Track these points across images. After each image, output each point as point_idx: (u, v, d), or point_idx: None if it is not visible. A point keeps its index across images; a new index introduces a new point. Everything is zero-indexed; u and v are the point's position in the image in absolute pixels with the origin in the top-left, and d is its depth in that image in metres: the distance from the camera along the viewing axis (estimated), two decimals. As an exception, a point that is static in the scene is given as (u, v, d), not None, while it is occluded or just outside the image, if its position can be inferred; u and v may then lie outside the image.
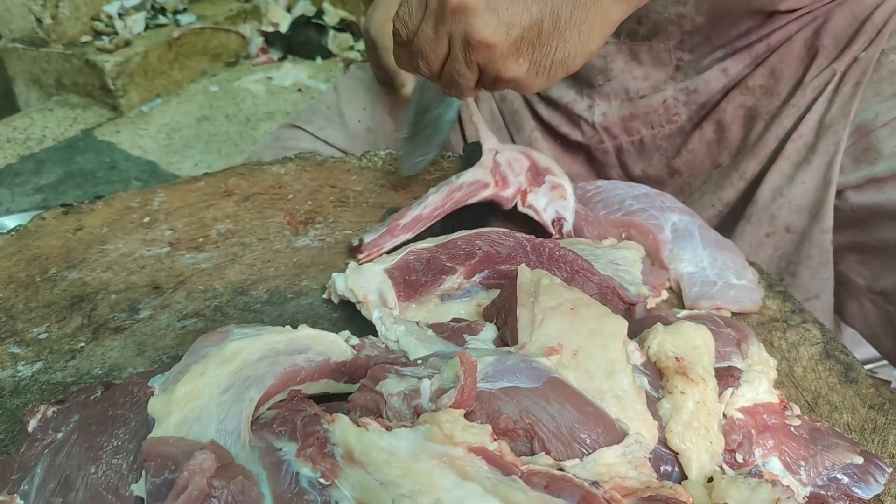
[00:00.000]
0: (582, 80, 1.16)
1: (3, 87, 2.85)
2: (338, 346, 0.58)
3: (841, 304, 1.05)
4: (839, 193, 0.98)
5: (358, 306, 0.75)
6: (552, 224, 0.88)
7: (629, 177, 1.22)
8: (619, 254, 0.78)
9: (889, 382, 0.72)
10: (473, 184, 0.89)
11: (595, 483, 0.46)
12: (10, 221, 1.50)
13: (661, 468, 0.55)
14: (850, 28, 1.02)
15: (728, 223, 1.11)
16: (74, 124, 2.57)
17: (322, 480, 0.47)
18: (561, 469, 0.48)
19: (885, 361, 1.09)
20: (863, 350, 1.12)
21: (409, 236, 0.86)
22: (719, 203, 1.11)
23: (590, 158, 1.25)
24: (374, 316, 0.68)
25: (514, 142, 1.28)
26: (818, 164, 0.98)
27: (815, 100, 1.01)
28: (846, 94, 0.99)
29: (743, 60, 1.08)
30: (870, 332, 1.05)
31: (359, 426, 0.49)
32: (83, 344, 0.79)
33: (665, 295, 0.81)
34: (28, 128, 2.54)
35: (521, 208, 0.90)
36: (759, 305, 0.79)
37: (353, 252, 0.88)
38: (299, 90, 2.97)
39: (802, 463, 0.58)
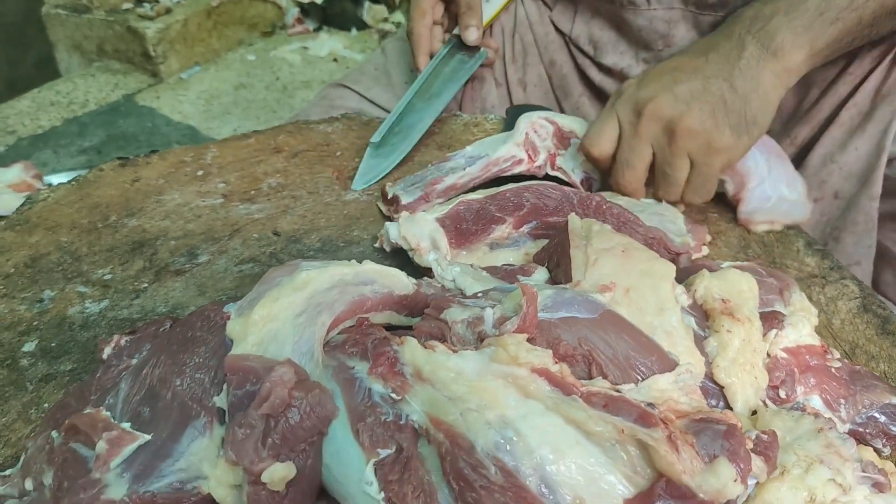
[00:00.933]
0: (641, 43, 1.17)
1: (45, 53, 2.90)
2: (401, 280, 0.61)
3: (876, 273, 1.07)
4: (889, 162, 0.99)
5: (410, 254, 0.77)
6: (581, 185, 0.91)
7: None
8: (662, 208, 0.80)
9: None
10: (509, 159, 0.92)
11: (650, 404, 0.49)
12: (57, 179, 1.54)
13: (708, 401, 0.57)
14: None
15: None
16: (116, 89, 2.62)
17: (394, 395, 0.50)
18: (618, 392, 0.51)
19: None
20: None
21: (441, 203, 0.89)
22: None
23: None
24: (430, 258, 0.72)
25: (560, 107, 1.30)
26: (872, 132, 0.99)
27: (872, 69, 1.02)
28: None
29: None
30: None
31: (426, 348, 0.52)
32: (146, 285, 0.82)
33: (706, 251, 0.83)
34: (71, 92, 2.59)
35: (550, 172, 0.92)
36: (807, 217, 0.87)
37: (384, 199, 0.92)
38: (335, 60, 2.99)
39: (842, 401, 0.60)
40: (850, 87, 1.03)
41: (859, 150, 1.00)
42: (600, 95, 1.25)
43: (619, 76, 1.20)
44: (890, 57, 1.00)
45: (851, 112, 1.01)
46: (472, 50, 1.20)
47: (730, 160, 0.85)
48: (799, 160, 1.07)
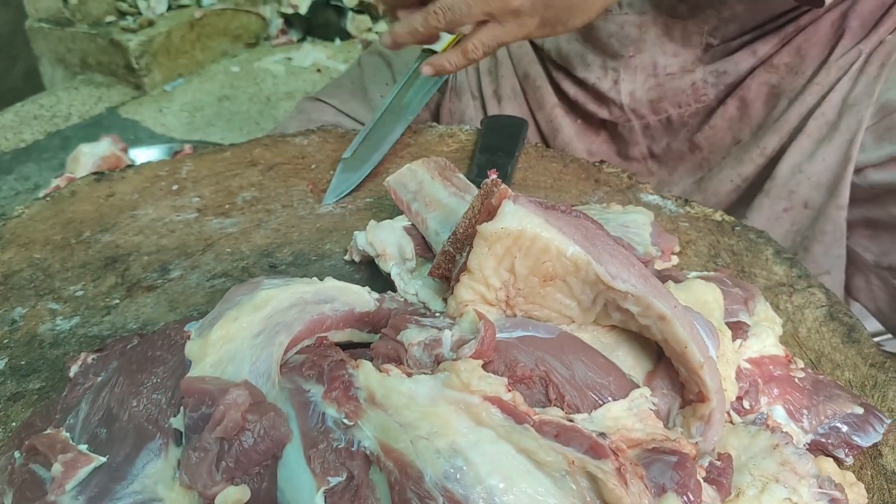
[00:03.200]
0: (609, 51, 1.18)
1: (29, 66, 2.90)
2: (362, 297, 0.61)
3: (848, 280, 1.07)
4: (859, 171, 0.99)
5: (377, 260, 0.77)
6: None
7: (651, 153, 1.24)
8: (628, 217, 0.80)
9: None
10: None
11: (602, 434, 0.48)
12: (139, 156, 1.63)
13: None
14: (877, 11, 1.03)
15: (746, 198, 1.13)
16: (99, 102, 2.62)
17: (346, 421, 0.50)
18: (571, 421, 0.50)
19: (890, 336, 1.11)
20: (868, 325, 1.14)
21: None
22: (738, 178, 1.13)
23: (612, 136, 1.26)
24: (393, 272, 0.71)
25: (534, 118, 1.30)
26: (839, 142, 1.00)
27: (839, 79, 1.02)
28: (871, 74, 1.00)
29: (771, 41, 1.10)
30: (875, 308, 1.07)
31: (381, 372, 0.52)
32: (118, 301, 0.82)
33: (675, 260, 0.83)
34: (54, 105, 2.58)
35: None
36: None
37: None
38: (318, 70, 3.00)
39: (805, 412, 0.60)
40: (818, 97, 1.03)
41: (827, 159, 1.00)
42: (573, 107, 1.26)
43: (592, 90, 1.21)
44: (857, 66, 1.01)
45: (819, 122, 1.02)
46: None
47: (517, 36, 0.89)
48: (769, 171, 1.08)
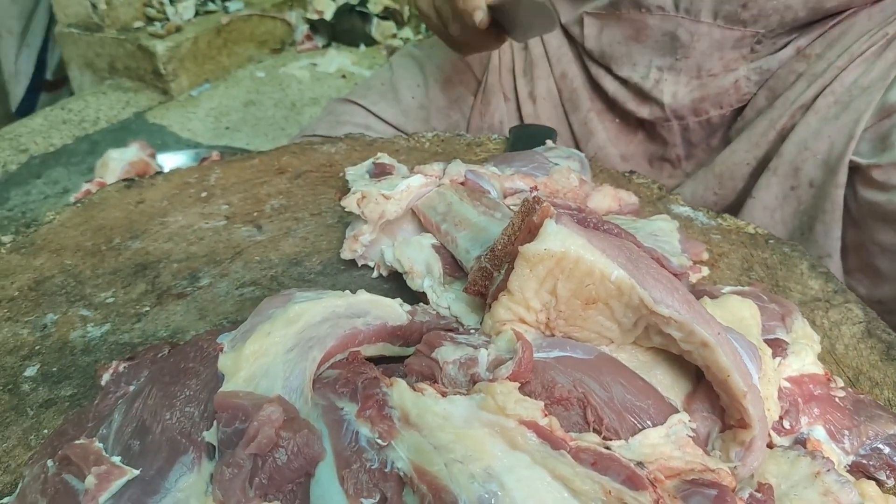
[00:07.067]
0: (661, 48, 1.17)
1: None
2: (394, 310, 0.60)
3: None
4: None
5: (405, 277, 0.77)
6: None
7: (688, 155, 1.24)
8: (655, 225, 0.79)
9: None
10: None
11: (640, 464, 0.47)
12: (168, 161, 1.65)
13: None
14: None
15: (753, 178, 1.13)
16: (127, 107, 2.64)
17: (380, 441, 0.49)
18: (608, 448, 0.49)
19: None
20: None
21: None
22: (753, 160, 1.13)
23: (650, 137, 1.25)
24: (425, 284, 0.71)
25: (568, 121, 1.29)
26: (846, 121, 1.00)
27: (853, 60, 1.03)
28: (889, 59, 1.00)
29: (812, 34, 1.10)
30: None
31: (415, 391, 0.51)
32: (148, 308, 0.82)
33: (706, 271, 0.82)
34: (82, 110, 2.61)
35: None
36: None
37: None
38: (343, 76, 3.01)
39: (846, 432, 0.59)
40: (831, 78, 1.04)
41: (832, 137, 1.01)
42: (613, 107, 1.25)
43: (633, 87, 1.20)
44: (875, 49, 1.01)
45: (828, 100, 1.03)
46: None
47: None
48: (777, 148, 1.08)
